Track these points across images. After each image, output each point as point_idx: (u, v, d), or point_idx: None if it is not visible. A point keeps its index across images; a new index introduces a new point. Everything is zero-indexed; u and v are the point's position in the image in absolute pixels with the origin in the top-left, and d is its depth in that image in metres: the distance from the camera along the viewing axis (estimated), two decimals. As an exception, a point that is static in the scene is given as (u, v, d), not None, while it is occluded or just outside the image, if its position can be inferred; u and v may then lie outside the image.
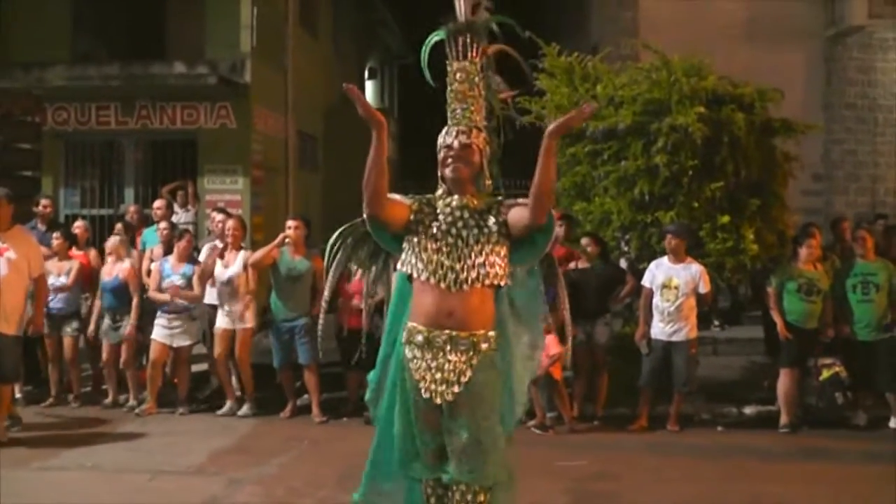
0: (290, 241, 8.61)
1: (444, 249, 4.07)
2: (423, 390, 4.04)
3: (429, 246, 4.10)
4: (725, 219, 8.89)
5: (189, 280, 8.74)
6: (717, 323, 11.80)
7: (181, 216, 11.34)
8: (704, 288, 8.21)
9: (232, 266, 8.72)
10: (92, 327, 9.02)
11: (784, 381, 8.30)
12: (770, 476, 6.83)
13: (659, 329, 8.21)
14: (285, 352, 8.66)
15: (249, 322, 8.76)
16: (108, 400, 8.99)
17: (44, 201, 9.93)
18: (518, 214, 4.06)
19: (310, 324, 8.58)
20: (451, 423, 4.04)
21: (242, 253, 8.81)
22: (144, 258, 9.34)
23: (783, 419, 8.23)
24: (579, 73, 9.65)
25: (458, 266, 4.04)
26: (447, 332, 4.03)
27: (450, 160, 4.10)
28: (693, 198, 8.95)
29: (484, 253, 4.06)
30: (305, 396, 8.85)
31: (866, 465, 7.20)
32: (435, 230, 4.11)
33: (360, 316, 8.59)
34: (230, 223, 8.94)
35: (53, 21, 12.52)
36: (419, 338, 4.06)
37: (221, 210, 9.94)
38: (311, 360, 8.61)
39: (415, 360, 4.08)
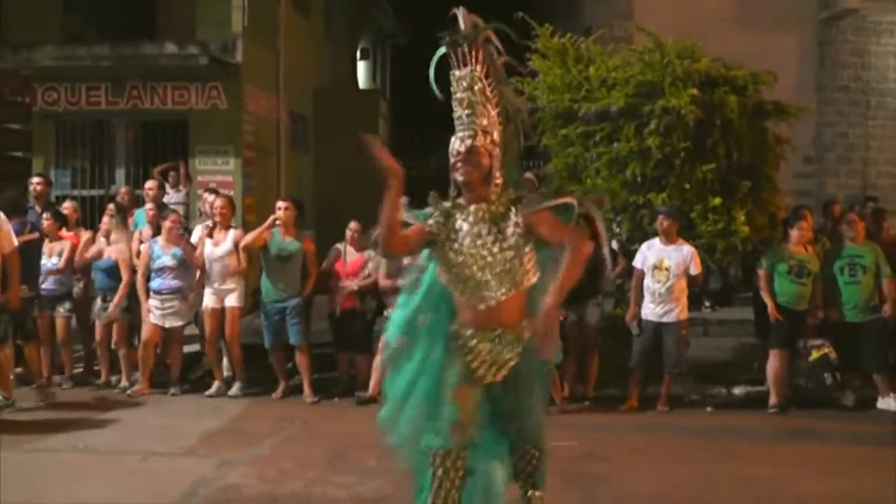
0: (281, 223, 8.61)
1: (466, 273, 4.24)
2: (475, 369, 4.29)
3: (453, 266, 4.27)
4: (717, 201, 8.90)
5: (180, 261, 8.72)
6: (707, 304, 11.85)
7: (172, 196, 11.31)
8: (695, 269, 8.25)
9: (221, 245, 8.70)
10: (111, 309, 8.92)
11: (773, 362, 8.35)
12: (759, 456, 6.87)
13: (650, 310, 8.24)
14: (276, 333, 8.66)
15: (238, 301, 8.76)
16: (101, 380, 9.00)
17: (35, 179, 9.90)
18: (551, 236, 4.20)
19: (300, 305, 8.60)
20: (501, 402, 4.38)
21: (232, 232, 8.79)
22: (133, 239, 9.31)
23: (772, 400, 8.28)
24: (572, 55, 9.62)
25: (484, 283, 4.23)
26: (492, 331, 4.28)
27: (459, 164, 4.23)
28: (685, 180, 8.96)
29: (509, 264, 4.22)
30: (297, 377, 8.86)
31: (854, 445, 7.24)
32: (457, 249, 4.26)
33: (353, 297, 8.68)
34: (218, 202, 8.92)
35: (43, 1, 12.41)
36: (468, 332, 4.30)
37: (212, 190, 9.92)
38: (301, 340, 8.62)
39: (463, 347, 4.31)
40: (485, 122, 4.26)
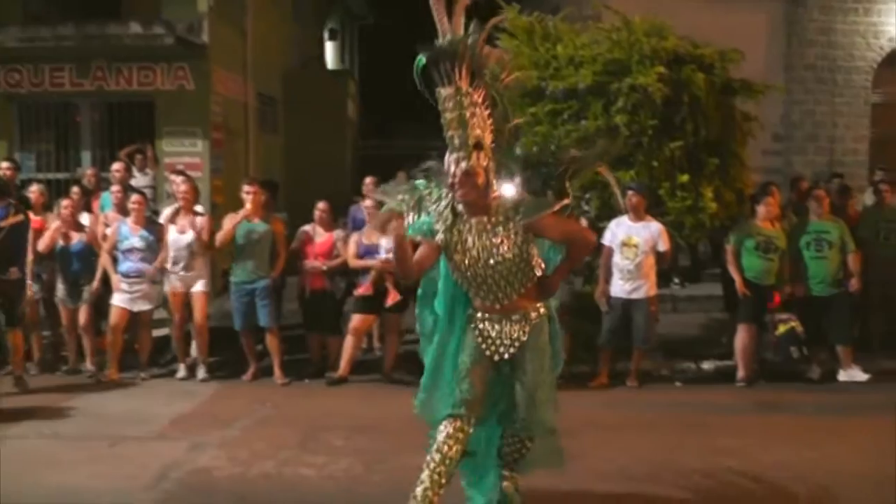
0: (251, 212, 8.57)
1: (478, 279, 4.53)
2: (485, 350, 4.61)
3: (465, 273, 4.55)
4: (685, 178, 8.95)
5: (148, 243, 8.64)
6: (676, 281, 11.92)
7: (139, 180, 11.17)
8: (664, 246, 8.29)
9: (186, 231, 8.63)
10: (96, 285, 8.78)
11: (741, 337, 8.44)
12: (727, 429, 6.94)
13: (619, 287, 8.29)
14: (246, 314, 8.61)
15: (205, 287, 8.70)
16: (69, 366, 8.93)
17: (4, 164, 9.76)
18: (558, 237, 4.63)
19: (270, 286, 8.57)
20: (510, 379, 4.68)
21: (197, 219, 8.71)
22: (99, 223, 9.19)
23: (740, 374, 8.38)
24: (540, 33, 9.60)
25: (495, 287, 4.53)
26: (503, 313, 4.60)
27: (457, 186, 4.41)
28: (653, 157, 8.99)
29: (516, 267, 4.50)
30: (267, 359, 8.83)
31: (820, 416, 7.35)
32: (466, 259, 4.51)
33: (323, 277, 8.65)
34: (182, 187, 8.84)
35: (4, -20, 12.21)
36: (479, 315, 4.63)
37: (180, 172, 9.83)
38: (271, 322, 8.59)
39: (476, 329, 4.63)
40: (477, 132, 4.39)
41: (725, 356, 8.87)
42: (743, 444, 6.52)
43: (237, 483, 5.81)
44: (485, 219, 4.48)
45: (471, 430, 4.58)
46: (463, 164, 4.35)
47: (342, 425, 7.05)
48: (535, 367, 4.63)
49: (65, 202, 8.97)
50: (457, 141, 4.38)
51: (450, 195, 4.52)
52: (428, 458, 4.51)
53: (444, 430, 4.53)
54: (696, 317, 10.64)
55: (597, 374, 8.38)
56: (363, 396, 8.08)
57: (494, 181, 4.48)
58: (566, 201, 4.59)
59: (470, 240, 4.49)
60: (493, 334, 4.59)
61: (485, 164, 4.40)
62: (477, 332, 4.61)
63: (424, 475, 4.47)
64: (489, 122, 4.47)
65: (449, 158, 4.42)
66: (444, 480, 4.47)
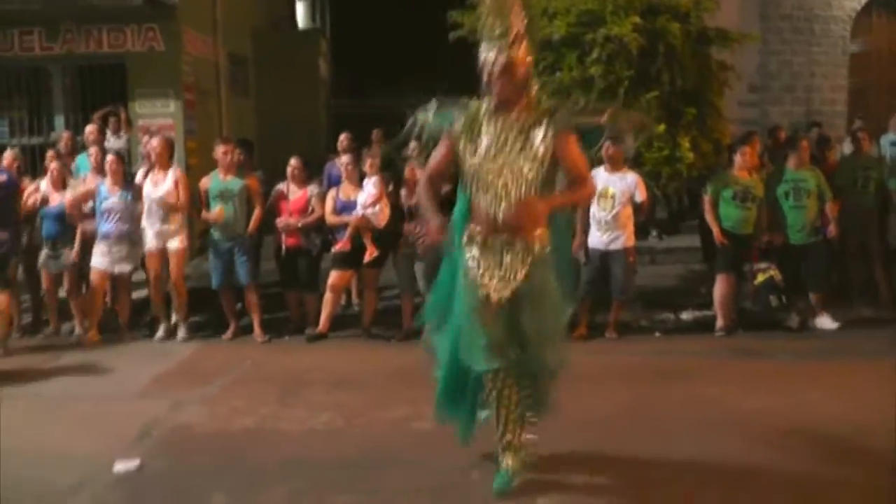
0: (221, 167, 8.50)
1: (492, 176, 4.21)
2: (481, 287, 4.29)
3: (479, 169, 4.24)
4: (661, 128, 8.89)
5: (126, 203, 8.56)
6: (654, 233, 11.93)
7: (113, 143, 11.06)
8: (640, 197, 8.28)
9: (161, 185, 8.55)
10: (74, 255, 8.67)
11: (720, 286, 8.47)
12: (707, 378, 6.97)
13: (596, 238, 8.29)
14: (224, 272, 8.57)
15: (182, 242, 8.62)
16: (50, 329, 8.89)
17: None
18: (568, 165, 4.24)
19: (248, 242, 8.52)
20: (513, 319, 4.32)
21: (171, 171, 8.63)
22: (78, 186, 9.11)
23: (719, 323, 8.41)
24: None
25: (509, 184, 4.18)
26: (503, 236, 4.26)
27: (494, 80, 4.13)
28: (629, 108, 8.93)
29: (531, 173, 4.18)
30: (246, 318, 8.81)
31: (798, 363, 7.42)
32: (483, 154, 4.22)
33: (298, 235, 8.60)
34: (154, 142, 8.76)
35: (-34, -58, 11.95)
36: (478, 239, 4.31)
37: (154, 133, 9.75)
38: (250, 279, 8.56)
39: (472, 260, 4.33)
40: (519, 25, 4.11)
41: (704, 306, 8.91)
42: (722, 391, 6.55)
43: (218, 439, 5.82)
44: (515, 114, 4.19)
45: (510, 370, 4.42)
46: (502, 57, 4.07)
47: (322, 380, 7.07)
48: (542, 305, 4.34)
49: (54, 164, 8.91)
50: (498, 29, 4.10)
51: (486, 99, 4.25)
52: (495, 415, 4.50)
53: (493, 387, 4.44)
54: (675, 268, 10.68)
55: (576, 326, 8.40)
56: (342, 352, 8.10)
57: (533, 81, 4.24)
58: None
59: (490, 136, 4.22)
60: (491, 266, 4.28)
61: (525, 57, 4.14)
62: (473, 263, 4.32)
63: (501, 429, 4.50)
64: (524, 22, 4.20)
65: (487, 52, 4.13)
66: (522, 417, 4.52)
